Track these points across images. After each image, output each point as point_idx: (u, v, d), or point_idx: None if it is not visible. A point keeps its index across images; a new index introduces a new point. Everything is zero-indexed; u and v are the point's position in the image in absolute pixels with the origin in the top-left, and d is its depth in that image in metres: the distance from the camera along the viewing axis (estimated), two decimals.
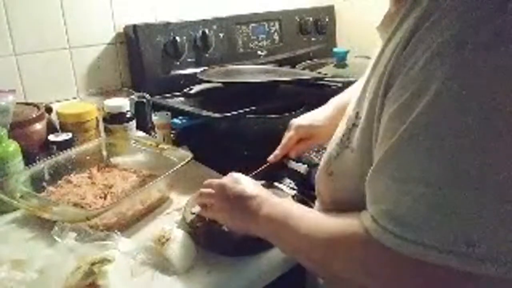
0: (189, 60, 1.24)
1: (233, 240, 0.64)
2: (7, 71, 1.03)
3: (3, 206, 0.75)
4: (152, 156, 0.86)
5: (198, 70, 1.20)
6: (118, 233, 0.64)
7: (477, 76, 0.34)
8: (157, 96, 1.14)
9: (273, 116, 0.96)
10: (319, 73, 1.24)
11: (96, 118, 0.98)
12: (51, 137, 0.89)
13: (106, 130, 0.96)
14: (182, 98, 1.15)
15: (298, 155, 0.80)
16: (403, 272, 0.40)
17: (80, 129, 0.94)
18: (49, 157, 0.83)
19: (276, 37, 1.47)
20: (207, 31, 1.25)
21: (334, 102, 0.81)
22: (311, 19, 1.55)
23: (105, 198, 0.76)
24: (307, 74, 1.18)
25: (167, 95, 1.17)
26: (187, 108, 1.03)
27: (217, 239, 0.64)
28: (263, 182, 0.78)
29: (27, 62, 1.05)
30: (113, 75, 1.21)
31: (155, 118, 1.02)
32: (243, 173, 0.66)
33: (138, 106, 1.06)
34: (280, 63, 1.42)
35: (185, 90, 1.18)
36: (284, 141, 0.79)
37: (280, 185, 0.82)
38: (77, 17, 1.11)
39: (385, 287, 0.42)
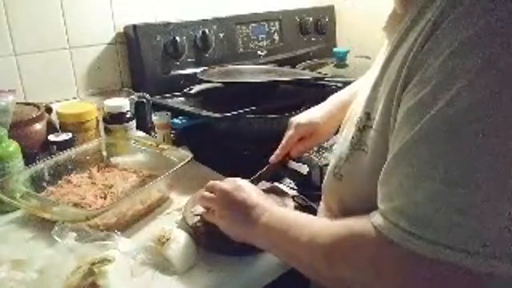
0: (189, 60, 1.24)
1: (234, 240, 0.64)
2: (7, 71, 1.03)
3: (3, 206, 0.75)
4: (152, 156, 0.86)
5: (198, 70, 1.20)
6: (118, 233, 0.64)
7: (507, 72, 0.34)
8: (157, 96, 1.14)
9: (273, 116, 0.96)
10: (319, 73, 1.24)
11: (96, 118, 0.98)
12: (51, 137, 0.89)
13: (106, 130, 0.96)
14: (182, 98, 1.15)
15: (299, 154, 0.80)
16: (415, 271, 0.39)
17: (80, 129, 0.94)
18: (49, 157, 0.83)
19: (276, 37, 1.47)
20: (207, 31, 1.25)
21: (332, 100, 0.81)
22: (311, 19, 1.54)
23: (105, 198, 0.76)
24: (307, 74, 1.18)
25: (167, 95, 1.16)
26: (187, 108, 1.03)
27: (217, 239, 0.64)
28: (263, 182, 0.78)
29: (27, 62, 1.05)
30: (113, 75, 1.21)
31: (155, 118, 1.02)
32: (245, 174, 0.66)
33: (138, 106, 1.06)
34: (280, 63, 1.42)
35: (185, 90, 1.17)
36: (284, 140, 0.79)
37: (280, 185, 0.82)
38: (77, 17, 1.11)
39: (395, 286, 0.41)
